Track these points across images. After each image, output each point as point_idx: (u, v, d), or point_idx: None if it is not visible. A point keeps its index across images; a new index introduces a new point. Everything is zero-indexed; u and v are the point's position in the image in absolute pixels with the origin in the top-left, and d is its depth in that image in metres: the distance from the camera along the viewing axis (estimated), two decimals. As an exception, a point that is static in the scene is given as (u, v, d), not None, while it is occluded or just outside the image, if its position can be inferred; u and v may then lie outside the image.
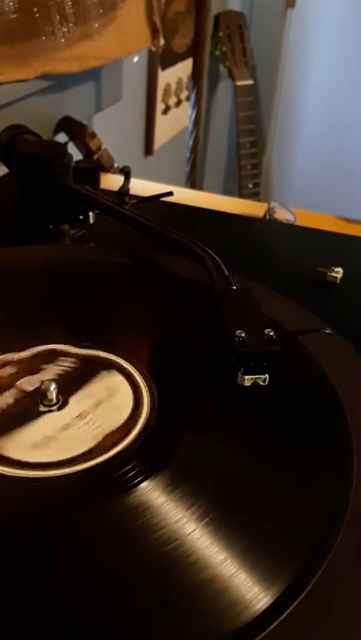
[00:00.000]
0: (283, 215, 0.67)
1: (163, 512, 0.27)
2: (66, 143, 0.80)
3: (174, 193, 0.58)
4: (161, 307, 0.43)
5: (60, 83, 0.83)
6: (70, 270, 0.46)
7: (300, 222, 0.65)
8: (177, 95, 1.45)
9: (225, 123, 1.91)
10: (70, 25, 0.76)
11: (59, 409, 0.33)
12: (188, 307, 0.43)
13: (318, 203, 1.28)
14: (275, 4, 1.90)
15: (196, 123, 1.39)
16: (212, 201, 0.72)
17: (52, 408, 0.33)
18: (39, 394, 0.33)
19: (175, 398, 0.34)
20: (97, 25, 0.81)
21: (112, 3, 0.84)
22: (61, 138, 0.89)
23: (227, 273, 0.42)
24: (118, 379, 0.35)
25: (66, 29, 0.76)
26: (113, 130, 1.09)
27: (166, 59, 1.34)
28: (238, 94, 1.73)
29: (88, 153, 0.89)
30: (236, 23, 1.72)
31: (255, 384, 0.35)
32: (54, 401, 0.33)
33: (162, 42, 0.99)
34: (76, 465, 0.30)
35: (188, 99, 1.40)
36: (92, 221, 0.56)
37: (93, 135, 0.89)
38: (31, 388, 0.34)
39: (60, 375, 0.35)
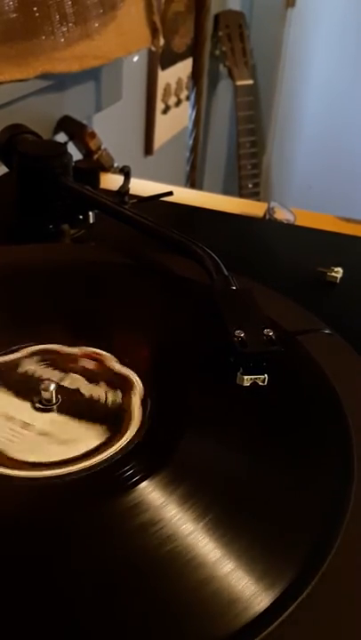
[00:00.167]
0: (283, 215, 0.67)
1: (162, 512, 0.27)
2: (66, 143, 0.80)
3: (174, 193, 0.58)
4: (161, 307, 0.42)
5: (59, 82, 0.83)
6: (70, 270, 0.46)
7: (300, 222, 0.65)
8: (177, 95, 1.45)
9: (225, 122, 1.91)
10: (70, 24, 0.76)
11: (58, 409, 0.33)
12: (188, 307, 0.43)
13: (318, 203, 1.29)
14: (275, 4, 1.90)
15: (196, 122, 1.39)
16: (211, 201, 0.72)
17: (52, 408, 0.33)
18: (39, 393, 0.33)
19: (175, 398, 0.34)
20: (97, 24, 0.81)
21: (112, 2, 0.84)
22: (61, 137, 0.88)
23: (226, 273, 0.42)
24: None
25: (66, 29, 0.76)
26: (113, 130, 1.09)
27: (166, 58, 1.34)
28: (238, 94, 1.73)
29: (88, 153, 0.89)
30: (236, 23, 1.72)
31: (254, 384, 0.34)
32: (54, 401, 0.33)
33: (162, 41, 0.99)
34: (75, 465, 0.30)
35: (187, 98, 1.40)
36: (91, 221, 0.56)
37: (93, 135, 0.89)
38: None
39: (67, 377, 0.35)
